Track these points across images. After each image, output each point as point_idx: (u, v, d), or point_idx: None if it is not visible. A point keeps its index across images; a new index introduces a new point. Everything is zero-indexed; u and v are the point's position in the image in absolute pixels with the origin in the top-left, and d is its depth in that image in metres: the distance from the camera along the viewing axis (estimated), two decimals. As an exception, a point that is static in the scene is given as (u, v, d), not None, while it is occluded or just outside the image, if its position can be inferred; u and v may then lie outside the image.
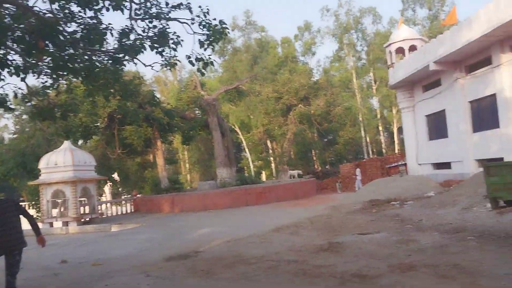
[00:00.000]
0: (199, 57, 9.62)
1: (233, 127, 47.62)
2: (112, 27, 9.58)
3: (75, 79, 10.95)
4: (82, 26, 9.38)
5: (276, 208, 22.20)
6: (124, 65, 10.28)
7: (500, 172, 8.04)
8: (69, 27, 9.50)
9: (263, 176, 52.69)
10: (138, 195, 31.78)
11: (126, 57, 10.00)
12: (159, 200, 26.63)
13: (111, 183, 37.17)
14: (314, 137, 44.72)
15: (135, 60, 10.28)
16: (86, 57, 9.64)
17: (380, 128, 54.50)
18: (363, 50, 55.55)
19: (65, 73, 9.73)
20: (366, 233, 11.82)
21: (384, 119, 54.54)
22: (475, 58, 20.30)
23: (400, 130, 53.21)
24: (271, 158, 50.59)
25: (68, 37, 9.04)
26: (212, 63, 9.80)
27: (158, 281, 8.23)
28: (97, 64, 9.67)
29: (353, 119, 49.07)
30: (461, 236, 9.92)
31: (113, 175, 35.06)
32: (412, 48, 26.48)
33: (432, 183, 22.48)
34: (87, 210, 23.84)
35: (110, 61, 9.98)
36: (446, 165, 23.78)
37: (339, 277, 7.34)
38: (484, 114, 20.40)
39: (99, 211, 24.70)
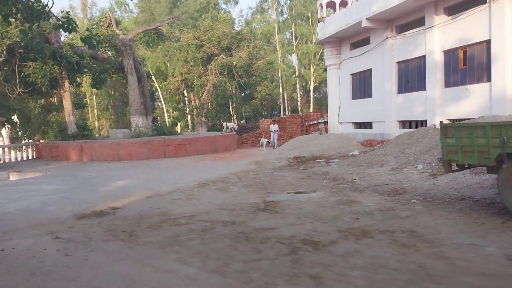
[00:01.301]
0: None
1: (148, 74, 44.71)
2: None
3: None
4: None
5: (197, 161, 21.01)
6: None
7: (458, 134, 7.45)
8: None
9: (178, 128, 50.82)
10: (41, 140, 28.74)
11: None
12: (66, 147, 24.16)
13: (9, 126, 33.55)
14: (234, 90, 43.37)
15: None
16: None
17: (298, 85, 54.65)
18: (286, 4, 54.70)
19: None
20: (301, 192, 11.14)
21: (301, 77, 54.66)
22: (408, 18, 20.10)
23: (315, 88, 53.93)
24: (188, 110, 48.63)
25: None
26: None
27: (70, 245, 6.75)
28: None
29: (272, 74, 48.42)
30: (403, 198, 9.51)
31: (12, 117, 31.64)
32: (343, 3, 25.85)
33: (354, 141, 22.56)
34: (-22, 155, 20.97)
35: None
36: (367, 125, 23.96)
37: (288, 244, 6.45)
38: (411, 76, 20.49)
39: (-6, 157, 21.96)
